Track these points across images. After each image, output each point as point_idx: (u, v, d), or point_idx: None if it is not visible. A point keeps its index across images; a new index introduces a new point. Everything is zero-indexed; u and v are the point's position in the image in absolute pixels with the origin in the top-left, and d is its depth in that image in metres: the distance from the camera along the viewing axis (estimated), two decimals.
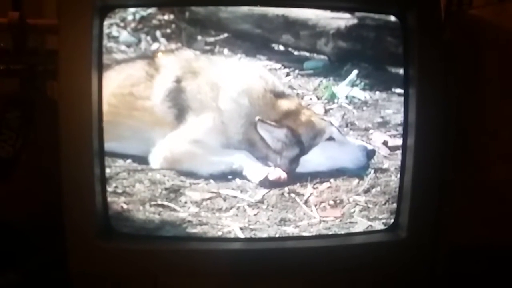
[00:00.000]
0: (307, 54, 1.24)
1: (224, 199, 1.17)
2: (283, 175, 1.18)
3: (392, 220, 1.17)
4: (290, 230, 1.16)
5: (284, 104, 1.22)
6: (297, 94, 1.24)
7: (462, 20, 1.31)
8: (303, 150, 1.21)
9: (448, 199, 1.24)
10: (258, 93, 1.21)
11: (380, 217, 1.18)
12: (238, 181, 1.19)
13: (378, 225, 1.18)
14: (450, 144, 1.18)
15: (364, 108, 1.23)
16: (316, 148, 1.22)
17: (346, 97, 1.22)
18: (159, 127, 1.19)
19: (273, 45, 1.24)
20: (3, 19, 1.27)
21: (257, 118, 1.19)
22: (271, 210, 1.17)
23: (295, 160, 1.21)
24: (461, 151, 1.26)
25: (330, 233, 1.17)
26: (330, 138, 1.22)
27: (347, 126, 1.23)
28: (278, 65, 1.23)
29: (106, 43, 1.12)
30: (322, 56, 1.22)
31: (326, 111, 1.23)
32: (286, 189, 1.18)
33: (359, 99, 1.22)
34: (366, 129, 1.23)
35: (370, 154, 1.21)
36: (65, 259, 1.10)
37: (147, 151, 1.18)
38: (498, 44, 1.21)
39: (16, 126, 1.25)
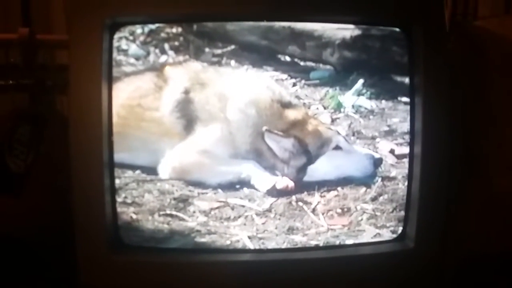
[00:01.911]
0: (313, 64, 1.24)
1: (232, 208, 1.17)
2: (291, 184, 1.19)
3: (400, 228, 1.17)
4: (298, 238, 1.16)
5: (291, 114, 1.23)
6: (304, 103, 1.25)
7: (466, 31, 1.31)
8: (310, 159, 1.22)
9: (455, 207, 1.24)
10: (265, 103, 1.22)
11: (387, 224, 1.18)
12: (246, 190, 1.19)
13: (386, 233, 1.18)
14: (456, 153, 1.18)
15: (371, 117, 1.23)
16: (323, 157, 1.22)
17: (353, 106, 1.22)
18: (168, 137, 1.20)
19: (280, 56, 1.24)
20: (13, 35, 1.28)
21: (264, 128, 1.20)
22: (279, 219, 1.17)
23: (302, 169, 1.21)
24: (467, 160, 1.26)
25: (338, 241, 1.17)
26: (337, 147, 1.22)
27: (353, 135, 1.23)
28: (285, 76, 1.24)
29: (116, 56, 1.14)
30: (328, 66, 1.23)
31: (333, 120, 1.24)
32: (293, 197, 1.18)
33: (366, 108, 1.23)
34: (373, 138, 1.23)
35: (377, 162, 1.21)
36: (75, 274, 1.11)
37: (156, 161, 1.19)
38: (502, 55, 1.22)
39: (27, 141, 1.25)
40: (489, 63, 1.25)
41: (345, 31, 1.20)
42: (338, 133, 1.22)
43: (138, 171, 1.19)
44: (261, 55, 1.21)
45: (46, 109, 1.34)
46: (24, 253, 1.26)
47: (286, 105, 1.22)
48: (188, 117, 1.21)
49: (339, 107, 1.23)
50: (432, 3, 1.13)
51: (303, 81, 1.25)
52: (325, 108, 1.24)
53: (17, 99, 1.35)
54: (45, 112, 1.32)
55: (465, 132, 1.25)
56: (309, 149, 1.22)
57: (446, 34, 1.20)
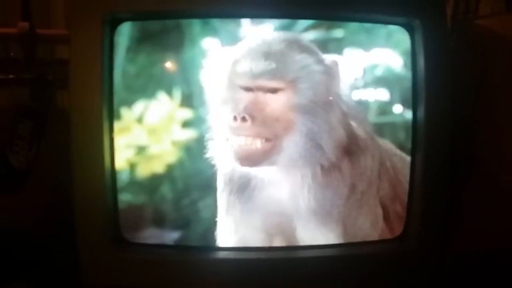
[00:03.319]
0: None
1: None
2: None
3: (402, 228, 1.18)
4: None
5: None
6: None
7: (468, 29, 1.31)
8: None
9: (456, 208, 1.25)
10: None
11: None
12: None
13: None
14: (458, 153, 1.18)
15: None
16: None
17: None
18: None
19: None
20: (13, 29, 1.27)
21: None
22: None
23: None
24: (469, 158, 1.26)
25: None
26: None
27: None
28: None
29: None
30: None
31: None
32: None
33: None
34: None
35: None
36: (76, 270, 1.11)
37: None
38: (504, 53, 1.22)
39: (28, 136, 1.25)
40: (491, 61, 1.24)
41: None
42: None
43: None
44: None
45: (46, 104, 1.34)
46: (25, 248, 1.26)
47: None
48: None
49: None
50: (434, 1, 1.13)
51: None
52: None
53: (17, 94, 1.34)
54: (45, 107, 1.32)
55: (467, 130, 1.24)
56: None
57: (448, 33, 1.20)
